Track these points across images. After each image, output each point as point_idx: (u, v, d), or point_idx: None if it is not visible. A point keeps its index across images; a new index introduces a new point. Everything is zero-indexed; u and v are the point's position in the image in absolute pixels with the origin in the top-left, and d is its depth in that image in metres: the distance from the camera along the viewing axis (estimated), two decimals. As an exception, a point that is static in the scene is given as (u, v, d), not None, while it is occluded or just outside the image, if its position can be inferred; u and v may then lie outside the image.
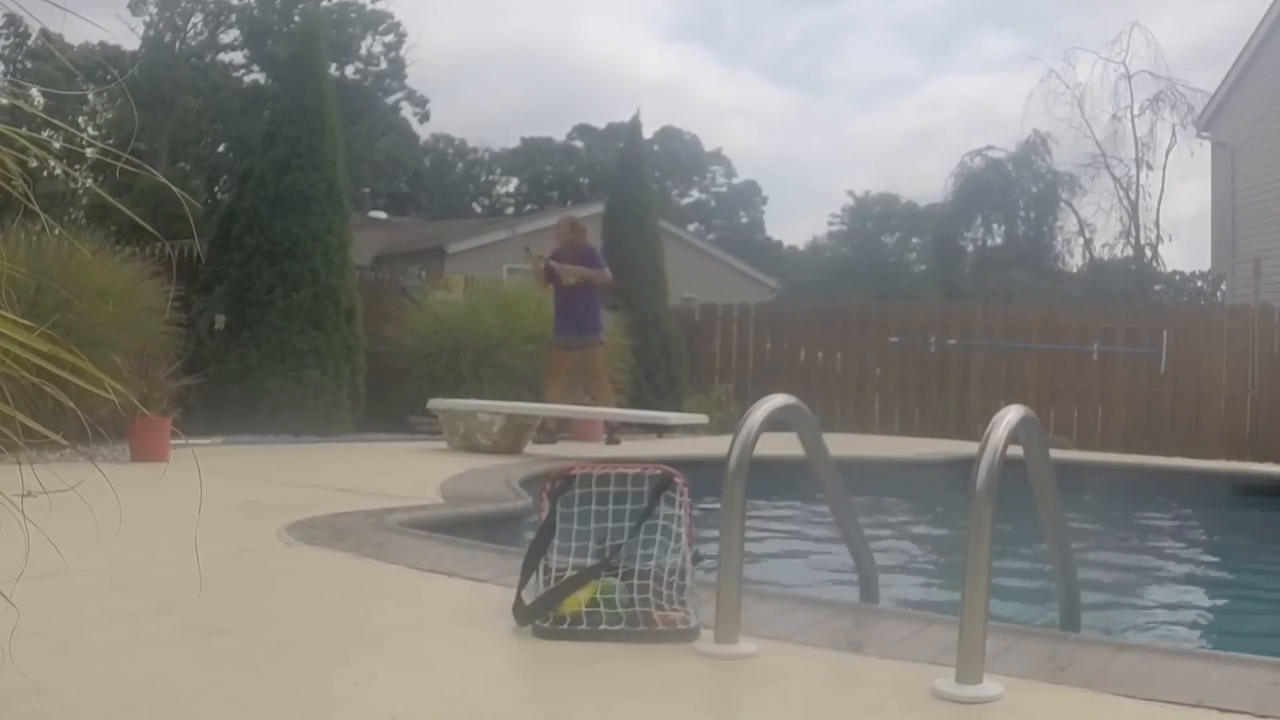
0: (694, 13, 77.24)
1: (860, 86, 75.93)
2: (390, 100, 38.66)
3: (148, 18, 33.25)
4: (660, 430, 9.34)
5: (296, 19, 30.03)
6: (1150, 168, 27.24)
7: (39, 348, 1.32)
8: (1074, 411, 11.80)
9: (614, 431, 8.82)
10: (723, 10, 77.99)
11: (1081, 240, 29.20)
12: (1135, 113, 26.90)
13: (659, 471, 2.59)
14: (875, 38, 75.78)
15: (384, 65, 37.42)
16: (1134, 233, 27.41)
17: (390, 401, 9.62)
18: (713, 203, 51.61)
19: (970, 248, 30.45)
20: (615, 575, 2.45)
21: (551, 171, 48.30)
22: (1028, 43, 69.20)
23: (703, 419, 8.45)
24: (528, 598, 2.44)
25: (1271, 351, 11.07)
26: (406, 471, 6.01)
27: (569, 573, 2.45)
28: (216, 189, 31.94)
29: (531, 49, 68.49)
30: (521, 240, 9.25)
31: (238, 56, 35.32)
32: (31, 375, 1.33)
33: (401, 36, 37.22)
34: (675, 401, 11.79)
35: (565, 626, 2.35)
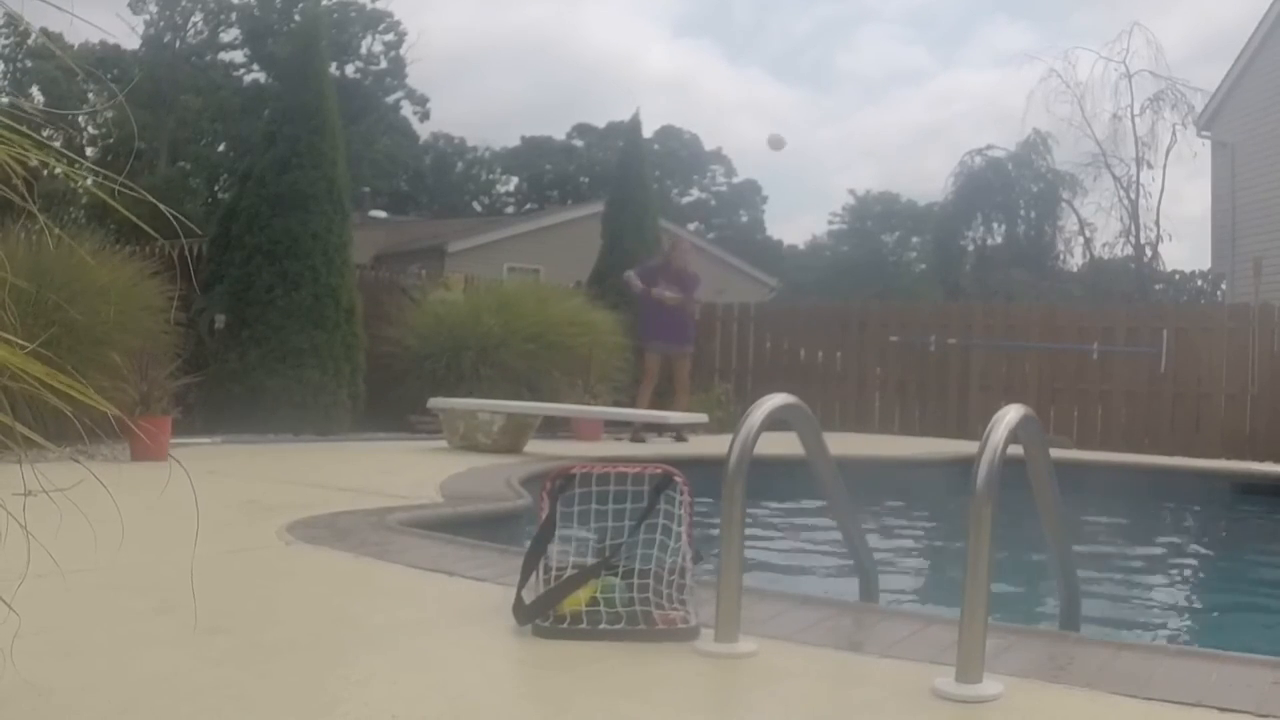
0: (694, 9, 77.30)
1: (865, 83, 76.09)
2: (390, 99, 38.66)
3: (148, 17, 33.28)
4: (659, 430, 9.38)
5: (297, 18, 30.01)
6: (1150, 167, 27.22)
7: (36, 373, 1.32)
8: (1074, 411, 11.79)
9: (639, 432, 9.15)
10: (723, 7, 78.03)
11: (1082, 240, 29.15)
12: (1136, 112, 26.88)
13: (659, 471, 2.59)
14: (882, 31, 75.84)
15: (384, 64, 37.43)
16: (1134, 232, 27.38)
17: (390, 401, 9.63)
18: (713, 202, 51.63)
19: (970, 247, 30.35)
20: (615, 574, 2.45)
21: (551, 170, 48.32)
22: (1041, 36, 68.80)
23: (703, 418, 8.45)
24: (528, 597, 2.44)
25: (1271, 351, 11.06)
26: (406, 470, 6.01)
27: (569, 572, 2.45)
28: (217, 188, 31.94)
29: (531, 46, 68.57)
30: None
31: (238, 55, 35.34)
32: (33, 384, 1.33)
33: (401, 35, 37.26)
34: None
35: (565, 626, 2.35)
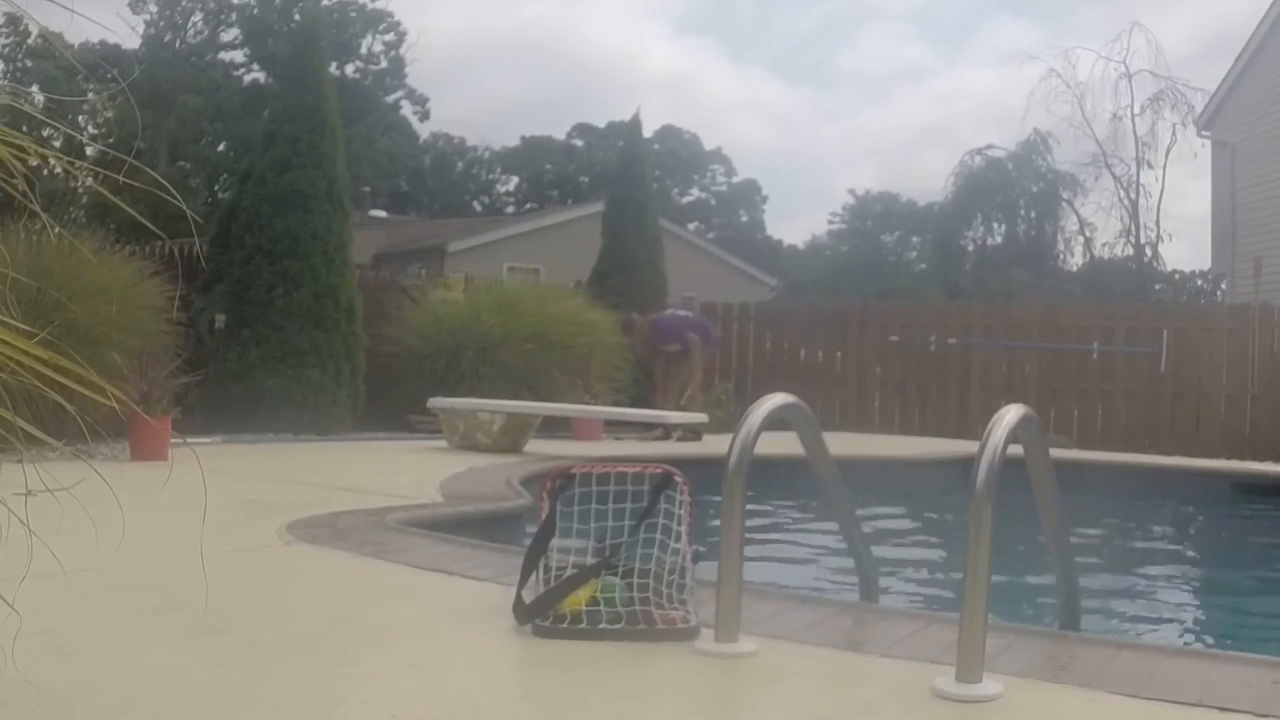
0: (694, 8, 77.26)
1: (866, 81, 75.84)
2: (390, 99, 38.66)
3: (148, 16, 33.27)
4: (668, 430, 9.39)
5: (297, 18, 30.02)
6: (1151, 167, 27.24)
7: (39, 355, 1.32)
8: (1074, 410, 11.80)
9: (666, 432, 9.23)
10: (724, 5, 77.98)
11: (1082, 239, 29.20)
12: (1136, 112, 26.89)
13: (659, 470, 2.59)
14: (884, 30, 75.59)
15: (384, 64, 37.43)
16: (1134, 232, 27.41)
17: (390, 400, 9.63)
18: (713, 201, 51.61)
19: (971, 247, 30.39)
20: (615, 574, 2.45)
21: (551, 170, 48.32)
22: (1044, 34, 68.45)
23: (703, 418, 8.45)
24: (528, 596, 2.44)
25: (1271, 351, 11.07)
26: (406, 470, 6.01)
27: (569, 571, 2.45)
28: (217, 188, 31.93)
29: (531, 46, 68.51)
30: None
31: (238, 55, 35.34)
32: (33, 379, 1.33)
33: (401, 35, 37.27)
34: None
35: (565, 625, 2.35)
